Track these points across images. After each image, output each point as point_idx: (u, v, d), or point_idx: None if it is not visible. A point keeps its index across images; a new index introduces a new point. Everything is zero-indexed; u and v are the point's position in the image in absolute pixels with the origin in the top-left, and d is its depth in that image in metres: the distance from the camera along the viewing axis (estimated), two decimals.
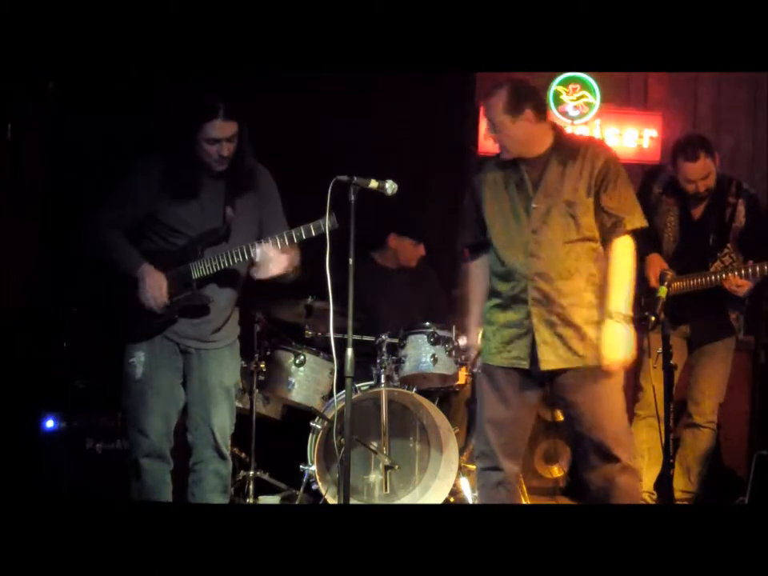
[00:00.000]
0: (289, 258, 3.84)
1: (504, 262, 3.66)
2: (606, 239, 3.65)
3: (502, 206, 3.67)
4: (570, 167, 3.61)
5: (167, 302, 3.84)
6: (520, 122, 3.58)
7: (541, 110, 3.62)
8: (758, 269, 4.55)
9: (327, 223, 3.64)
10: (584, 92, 6.48)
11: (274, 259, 3.79)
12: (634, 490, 3.70)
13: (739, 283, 4.59)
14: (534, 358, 3.62)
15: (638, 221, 3.66)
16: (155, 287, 3.82)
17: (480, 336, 3.78)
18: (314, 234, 3.72)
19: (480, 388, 3.82)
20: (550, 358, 3.60)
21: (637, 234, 3.69)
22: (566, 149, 3.64)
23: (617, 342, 3.55)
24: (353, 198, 3.50)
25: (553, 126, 3.72)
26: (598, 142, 3.82)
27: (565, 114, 6.62)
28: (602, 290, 3.62)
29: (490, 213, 3.70)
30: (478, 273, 3.85)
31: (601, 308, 3.61)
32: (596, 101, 6.17)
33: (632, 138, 6.05)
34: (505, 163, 3.70)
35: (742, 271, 4.59)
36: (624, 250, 3.64)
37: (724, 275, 4.62)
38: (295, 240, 3.79)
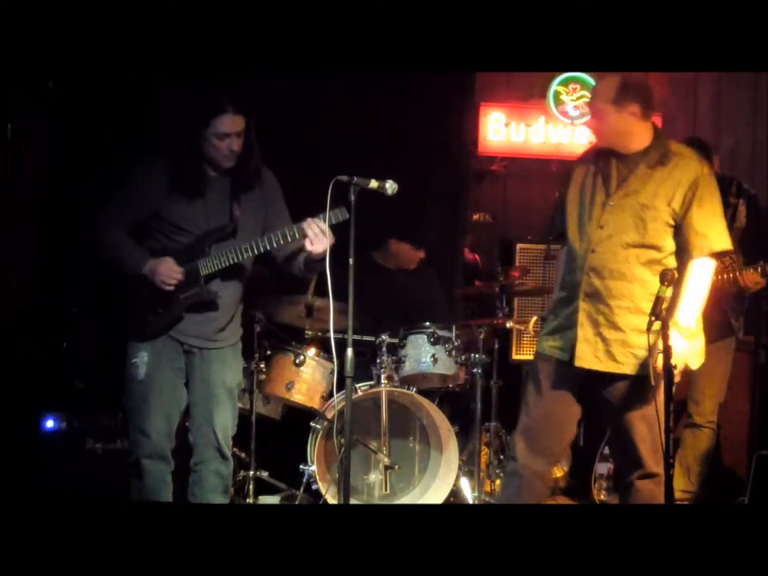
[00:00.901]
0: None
1: (570, 254, 3.69)
2: (685, 255, 3.60)
3: (583, 197, 3.67)
4: (659, 171, 3.59)
5: (180, 276, 3.83)
6: (625, 114, 3.59)
7: (647, 109, 3.63)
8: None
9: (332, 217, 3.63)
10: (584, 92, 6.50)
11: (326, 232, 3.72)
12: (654, 495, 3.62)
13: (758, 280, 4.58)
14: (574, 352, 3.62)
15: (724, 243, 3.62)
16: (167, 268, 3.81)
17: (530, 323, 3.91)
18: (326, 224, 3.69)
19: (526, 376, 3.92)
20: (586, 357, 3.58)
21: (719, 256, 3.67)
22: (661, 153, 3.62)
23: (682, 352, 3.50)
24: (353, 198, 3.50)
25: (655, 127, 3.70)
26: (693, 155, 3.69)
27: (565, 114, 6.64)
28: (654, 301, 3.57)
29: (570, 201, 3.71)
30: (561, 258, 3.87)
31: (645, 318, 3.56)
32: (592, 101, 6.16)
33: None
34: (600, 156, 3.69)
35: (761, 268, 4.57)
36: (705, 270, 3.61)
37: (740, 272, 4.60)
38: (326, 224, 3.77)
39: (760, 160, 6.14)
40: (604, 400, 3.66)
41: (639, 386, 3.57)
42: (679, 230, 3.58)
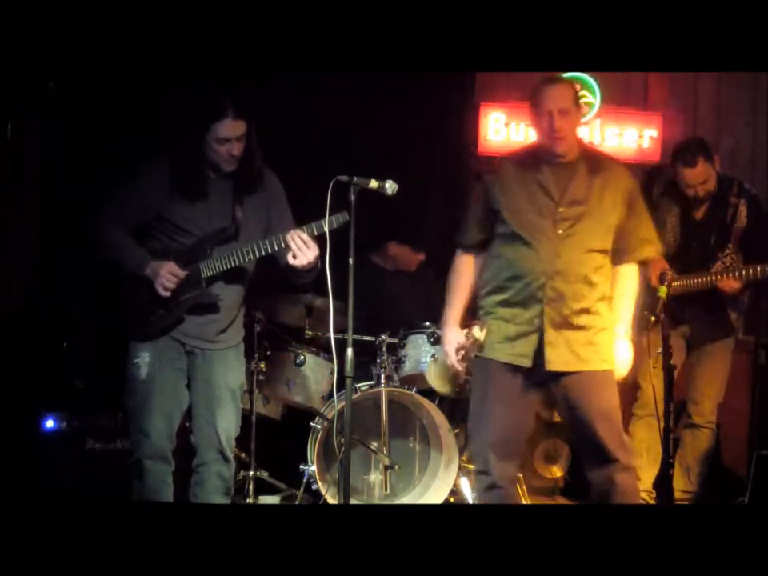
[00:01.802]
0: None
1: (523, 259, 3.65)
2: (618, 259, 3.73)
3: (524, 205, 3.67)
4: (596, 178, 3.66)
5: (179, 280, 3.83)
6: (579, 116, 3.68)
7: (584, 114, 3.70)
8: (751, 272, 4.56)
9: (333, 221, 3.64)
10: (584, 92, 6.48)
11: (310, 244, 3.76)
12: (632, 488, 3.73)
13: (734, 285, 4.60)
14: (537, 357, 3.63)
15: (655, 251, 3.82)
16: (167, 271, 3.81)
17: (472, 330, 3.73)
18: (324, 230, 3.70)
19: (476, 388, 3.79)
20: (555, 359, 3.61)
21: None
22: (592, 160, 3.71)
23: (627, 359, 3.70)
24: (353, 198, 3.50)
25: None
26: (622, 162, 3.86)
27: None
28: (608, 303, 3.70)
29: (510, 210, 3.68)
30: (468, 269, 3.84)
31: (606, 319, 3.69)
32: (596, 101, 6.17)
33: (632, 138, 6.05)
34: (523, 163, 3.71)
35: (737, 273, 4.60)
36: (636, 274, 3.77)
37: (719, 277, 4.63)
38: (315, 233, 3.77)
39: (760, 160, 6.13)
40: (564, 401, 3.68)
41: (600, 382, 3.65)
42: (618, 235, 3.68)
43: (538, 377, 3.67)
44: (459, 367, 3.79)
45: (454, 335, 3.78)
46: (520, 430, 3.77)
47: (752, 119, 6.19)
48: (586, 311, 3.64)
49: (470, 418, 3.83)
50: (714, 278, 4.67)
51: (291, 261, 3.77)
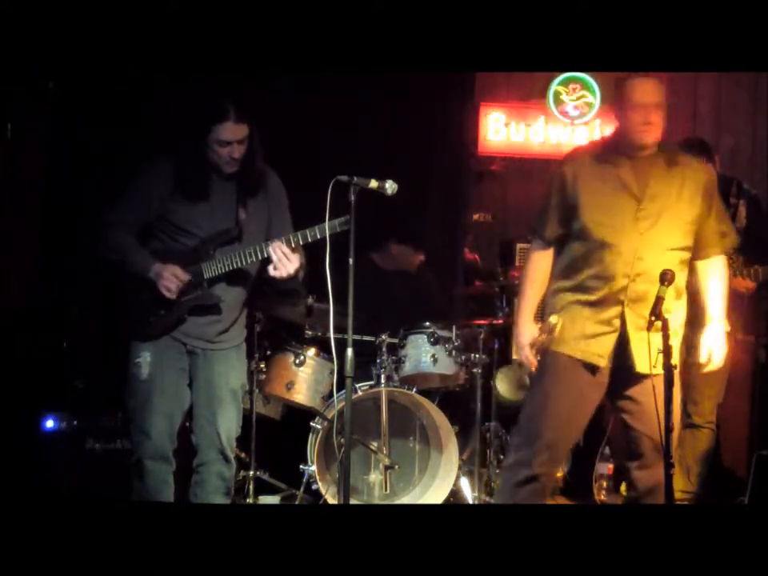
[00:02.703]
0: (301, 257, 3.84)
1: (604, 258, 3.60)
2: (702, 253, 3.71)
3: (604, 202, 3.62)
4: (675, 172, 3.64)
5: (182, 284, 3.83)
6: (665, 112, 3.65)
7: None
8: (752, 272, 4.56)
9: (336, 225, 3.65)
10: (584, 92, 6.49)
11: (291, 257, 3.77)
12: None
13: (748, 285, 4.60)
14: (615, 357, 3.60)
15: (734, 242, 3.81)
16: (170, 274, 3.81)
17: (545, 325, 3.69)
18: (325, 234, 3.70)
19: (540, 381, 3.73)
20: (644, 361, 3.55)
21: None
22: (670, 154, 3.68)
23: (720, 351, 3.67)
24: (353, 198, 3.50)
25: None
26: (699, 158, 3.86)
27: (565, 114, 6.64)
28: (682, 300, 3.69)
29: (589, 207, 3.63)
30: (545, 263, 3.77)
31: (680, 318, 3.67)
32: (596, 101, 6.19)
33: None
34: (602, 157, 3.67)
35: (751, 272, 4.58)
36: (723, 266, 3.76)
37: (732, 275, 4.61)
38: (309, 239, 3.78)
39: (760, 160, 6.14)
40: (631, 396, 3.65)
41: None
42: (701, 229, 3.66)
43: (607, 377, 3.64)
44: (534, 361, 3.72)
45: (528, 328, 3.73)
46: (574, 430, 3.77)
47: (752, 119, 6.20)
48: (665, 311, 3.54)
49: (526, 408, 3.78)
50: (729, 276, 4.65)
51: (272, 272, 3.79)
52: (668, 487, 3.32)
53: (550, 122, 6.68)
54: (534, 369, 3.78)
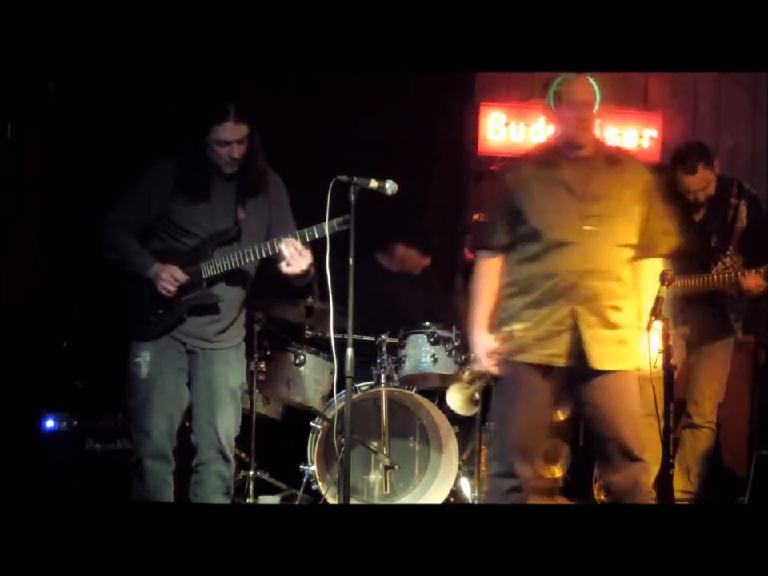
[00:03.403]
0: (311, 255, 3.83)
1: (553, 258, 3.60)
2: (642, 254, 3.70)
3: (548, 204, 3.63)
4: (615, 172, 3.65)
5: (180, 283, 3.83)
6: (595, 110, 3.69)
7: None
8: (753, 272, 4.56)
9: (335, 224, 3.65)
10: None
11: (303, 253, 3.77)
12: (649, 489, 3.76)
13: (759, 283, 4.59)
14: (572, 356, 3.60)
15: (677, 243, 3.76)
16: (170, 274, 3.82)
17: (499, 334, 3.68)
18: (325, 233, 3.70)
19: (501, 391, 3.74)
20: (599, 357, 3.57)
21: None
22: (609, 154, 3.71)
23: (657, 354, 3.63)
24: (353, 198, 3.51)
25: None
26: (638, 156, 3.88)
27: None
28: (633, 299, 3.68)
29: (535, 210, 3.63)
30: (494, 272, 3.77)
31: (632, 316, 3.66)
32: (596, 101, 6.16)
33: (632, 138, 6.05)
34: (542, 161, 3.69)
35: (763, 271, 4.57)
36: (659, 268, 3.72)
37: (738, 275, 4.61)
38: (308, 239, 3.79)
39: (760, 160, 6.13)
40: (591, 401, 3.65)
41: (630, 381, 3.64)
42: (641, 229, 3.66)
43: (566, 377, 3.64)
44: (495, 371, 3.72)
45: (484, 340, 3.72)
46: (542, 433, 3.78)
47: (752, 119, 6.19)
48: (616, 309, 3.61)
49: (493, 420, 3.81)
50: (714, 278, 4.65)
51: (285, 269, 3.79)
52: (668, 487, 3.33)
53: (550, 122, 6.67)
54: (495, 376, 3.77)
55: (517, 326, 3.64)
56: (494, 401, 3.79)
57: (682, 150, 4.78)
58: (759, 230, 4.76)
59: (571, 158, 3.66)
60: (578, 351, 3.60)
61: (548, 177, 3.66)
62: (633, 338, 3.64)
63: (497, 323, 3.74)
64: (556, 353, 3.61)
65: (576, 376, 3.63)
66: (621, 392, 3.63)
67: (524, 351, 3.64)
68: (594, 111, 3.66)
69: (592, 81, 3.68)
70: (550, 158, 3.70)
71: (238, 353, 4.07)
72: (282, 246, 3.77)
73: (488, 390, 5.15)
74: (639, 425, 3.66)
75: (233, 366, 4.02)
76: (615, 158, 3.70)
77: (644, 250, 3.70)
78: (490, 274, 3.77)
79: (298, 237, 3.80)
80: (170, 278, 3.82)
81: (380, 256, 5.48)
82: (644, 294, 3.70)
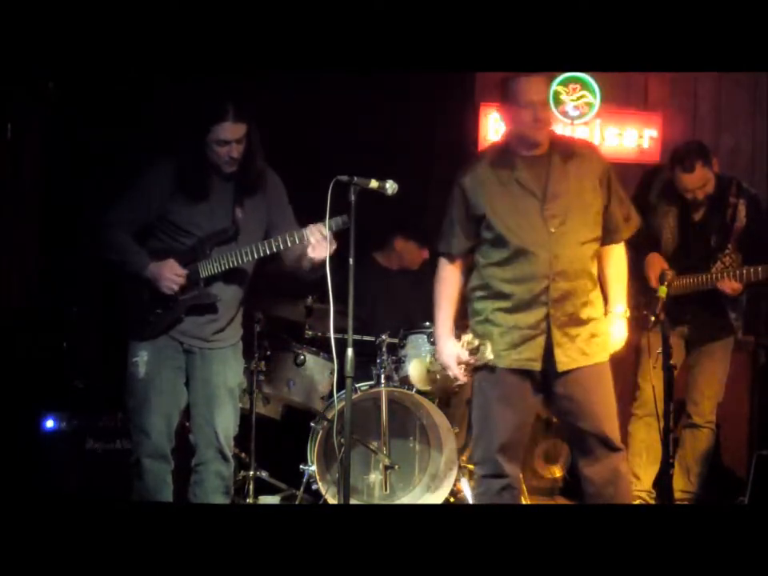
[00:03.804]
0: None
1: (522, 262, 3.59)
2: (605, 240, 3.71)
3: (509, 208, 3.61)
4: (571, 166, 3.64)
5: (183, 278, 3.83)
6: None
7: None
8: (752, 272, 4.56)
9: (333, 224, 3.65)
10: (584, 92, 6.48)
11: (327, 239, 3.75)
12: (629, 475, 3.81)
13: (734, 286, 4.60)
14: (545, 359, 3.60)
15: (637, 226, 3.79)
16: (170, 271, 3.82)
17: (468, 339, 3.65)
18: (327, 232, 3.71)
19: (481, 393, 3.73)
20: (565, 359, 3.59)
21: (638, 233, 3.83)
22: (562, 148, 3.68)
23: (624, 337, 3.72)
24: (353, 197, 3.51)
25: None
26: (593, 145, 3.88)
27: (565, 114, 6.61)
28: (599, 290, 3.70)
29: (497, 215, 3.62)
30: (455, 278, 3.77)
31: (600, 307, 3.69)
32: (596, 101, 6.16)
33: (632, 138, 6.05)
34: (497, 163, 3.67)
35: (736, 273, 4.59)
36: (624, 253, 3.77)
37: (719, 277, 4.63)
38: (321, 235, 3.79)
39: (760, 160, 6.13)
40: (567, 397, 3.65)
41: (603, 373, 3.67)
42: (603, 217, 3.68)
43: (543, 378, 3.65)
44: (464, 379, 3.71)
45: (451, 348, 3.70)
46: (525, 432, 3.77)
47: (752, 119, 6.19)
48: (587, 304, 3.63)
49: (475, 424, 3.79)
50: (713, 278, 4.66)
51: (311, 253, 3.76)
52: (668, 487, 3.33)
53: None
54: (465, 381, 3.76)
55: (487, 349, 3.60)
56: (475, 402, 3.77)
57: (680, 149, 4.79)
58: (758, 229, 4.76)
59: (526, 157, 3.64)
60: (547, 354, 3.61)
61: (505, 178, 3.64)
62: (603, 329, 3.67)
63: (470, 328, 3.74)
64: (531, 356, 3.62)
65: (550, 373, 3.64)
66: (595, 384, 3.64)
67: (499, 357, 3.63)
68: (549, 110, 3.69)
69: (545, 80, 3.70)
70: (504, 158, 3.67)
71: (236, 352, 4.07)
72: (308, 232, 3.77)
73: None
74: (615, 414, 3.67)
75: (231, 365, 4.02)
76: (570, 151, 3.67)
77: (606, 237, 3.70)
78: (450, 279, 3.78)
79: (297, 238, 3.81)
80: (172, 275, 3.83)
81: (378, 255, 5.48)
82: (610, 280, 3.74)
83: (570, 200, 3.60)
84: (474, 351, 3.62)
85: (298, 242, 3.81)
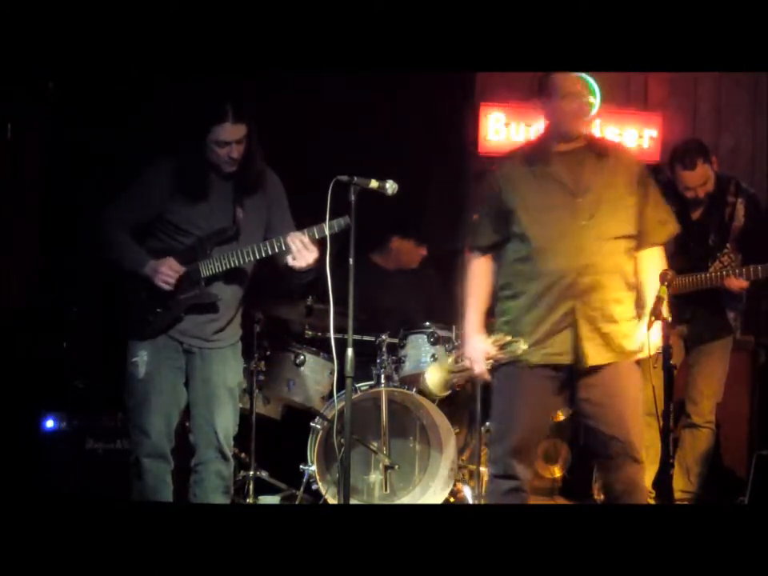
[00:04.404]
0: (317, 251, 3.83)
1: (547, 257, 3.57)
2: (640, 244, 3.68)
3: (539, 202, 3.61)
4: (605, 163, 3.63)
5: (179, 274, 3.84)
6: None
7: None
8: (752, 271, 4.56)
9: (334, 225, 3.65)
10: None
11: (309, 247, 3.77)
12: (647, 488, 3.73)
13: (742, 285, 4.60)
14: (572, 353, 3.58)
15: (674, 231, 3.77)
16: (167, 266, 3.83)
17: (498, 337, 3.64)
18: (324, 234, 3.71)
19: (502, 392, 3.70)
20: (594, 354, 3.55)
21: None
22: (598, 146, 3.69)
23: (657, 344, 3.59)
24: (353, 197, 3.51)
25: None
26: (628, 148, 3.87)
27: None
28: (633, 291, 3.67)
29: (525, 209, 3.61)
30: (485, 273, 3.75)
31: (631, 308, 3.66)
32: (596, 101, 6.16)
33: (632, 137, 6.05)
34: (530, 158, 3.68)
35: (743, 271, 4.59)
36: (661, 257, 3.73)
37: (725, 275, 4.63)
38: (317, 236, 3.79)
39: (760, 160, 6.14)
40: (593, 398, 3.62)
41: (632, 374, 3.64)
42: (639, 218, 3.65)
43: (568, 375, 3.62)
44: (487, 377, 3.70)
45: (479, 344, 3.68)
46: (541, 434, 3.78)
47: (752, 119, 6.19)
48: (616, 301, 3.59)
49: (494, 422, 3.77)
50: (712, 277, 4.66)
51: (291, 263, 3.79)
52: (668, 487, 3.33)
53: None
54: (488, 380, 3.74)
55: (519, 343, 3.58)
56: (494, 400, 3.76)
57: (680, 147, 4.79)
58: (757, 229, 4.77)
59: (561, 152, 3.64)
60: (575, 348, 3.58)
61: (538, 173, 3.63)
62: (632, 330, 3.62)
63: (496, 328, 3.72)
64: (558, 351, 3.59)
65: (576, 373, 3.61)
66: (623, 389, 3.61)
67: (527, 353, 3.60)
68: (589, 104, 3.66)
69: (587, 77, 3.70)
70: (538, 153, 3.68)
71: (235, 351, 4.08)
72: (289, 240, 3.78)
73: (488, 389, 5.20)
74: (639, 423, 3.65)
75: (230, 364, 4.02)
76: (605, 150, 3.68)
77: (642, 239, 3.68)
78: (481, 275, 3.76)
79: (277, 246, 3.81)
80: (167, 269, 3.82)
81: (376, 256, 5.48)
82: (644, 284, 3.68)
83: (601, 194, 3.59)
84: (504, 346, 3.60)
85: (281, 249, 3.81)
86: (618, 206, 3.61)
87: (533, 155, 3.69)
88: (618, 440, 3.59)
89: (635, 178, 3.66)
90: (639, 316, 3.67)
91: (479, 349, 3.68)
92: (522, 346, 3.57)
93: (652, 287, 3.64)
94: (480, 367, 3.69)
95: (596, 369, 3.59)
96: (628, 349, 3.60)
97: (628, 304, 3.65)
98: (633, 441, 3.60)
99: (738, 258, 4.75)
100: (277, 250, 3.84)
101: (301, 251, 3.77)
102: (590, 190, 3.59)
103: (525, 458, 3.67)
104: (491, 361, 3.66)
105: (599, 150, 3.66)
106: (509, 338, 3.60)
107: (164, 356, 3.90)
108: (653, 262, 3.69)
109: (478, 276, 3.76)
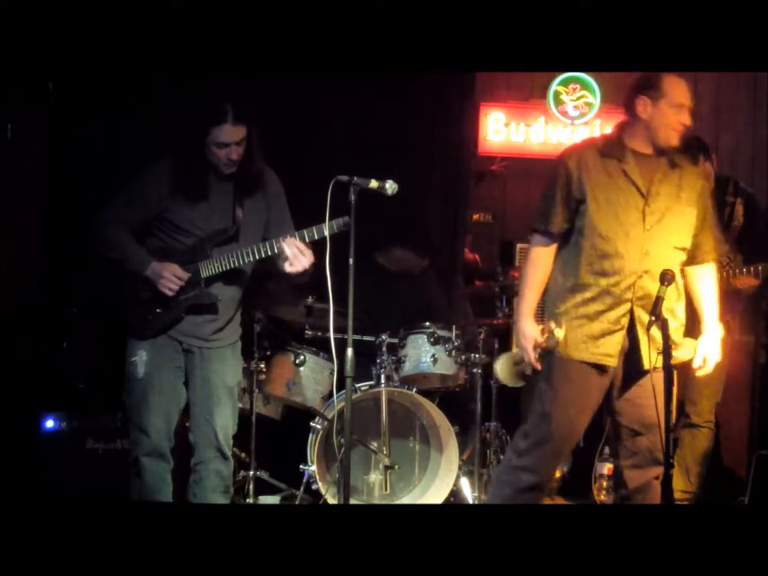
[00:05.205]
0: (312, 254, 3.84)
1: (611, 255, 3.57)
2: (697, 258, 3.71)
3: (611, 198, 3.59)
4: (675, 174, 3.64)
5: (183, 282, 3.84)
6: None
7: None
8: (752, 270, 4.56)
9: (334, 225, 3.66)
10: (584, 92, 6.50)
11: (305, 252, 3.78)
12: (659, 491, 3.71)
13: (751, 283, 4.60)
14: (622, 355, 3.58)
15: (724, 250, 3.88)
16: (170, 273, 3.82)
17: (551, 327, 3.59)
18: (324, 234, 3.71)
19: (551, 383, 3.65)
20: (649, 357, 3.53)
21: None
22: (669, 157, 3.66)
23: (717, 359, 3.67)
24: (353, 198, 3.51)
25: None
26: (696, 162, 3.93)
27: (565, 114, 6.63)
28: (682, 303, 3.69)
29: (596, 202, 3.59)
30: (548, 260, 3.70)
31: (681, 318, 3.68)
32: (596, 101, 6.18)
33: None
34: (608, 152, 3.64)
35: (751, 270, 4.58)
36: (715, 272, 3.77)
37: (733, 273, 4.62)
38: (308, 239, 3.80)
39: (760, 160, 6.14)
40: (633, 399, 3.64)
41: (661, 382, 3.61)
42: (696, 234, 3.66)
43: (611, 378, 3.62)
44: (537, 365, 3.65)
45: (531, 330, 3.63)
46: (581, 433, 3.77)
47: (752, 119, 6.20)
48: (670, 311, 3.59)
49: (535, 416, 3.71)
50: (730, 275, 4.65)
51: (287, 268, 3.80)
52: (668, 487, 3.32)
53: (550, 122, 6.69)
54: (537, 369, 3.70)
55: (570, 321, 3.57)
56: (539, 393, 3.70)
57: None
58: (756, 228, 4.77)
59: (637, 153, 3.62)
60: (629, 351, 3.59)
61: (612, 169, 3.61)
62: (680, 340, 3.65)
63: (549, 317, 3.68)
64: (609, 352, 3.59)
65: (623, 372, 3.62)
66: (659, 392, 3.53)
67: (577, 349, 3.59)
68: (690, 119, 3.63)
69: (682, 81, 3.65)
70: (614, 150, 3.64)
71: (235, 351, 4.08)
72: (284, 246, 3.79)
73: (488, 389, 5.20)
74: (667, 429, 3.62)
75: (230, 364, 4.02)
76: (676, 161, 3.67)
77: (701, 254, 3.70)
78: (542, 263, 3.70)
79: (298, 238, 3.81)
80: (171, 276, 3.83)
81: (379, 256, 5.48)
82: (703, 298, 3.71)
83: (669, 203, 3.60)
84: (549, 334, 3.58)
85: (277, 251, 3.81)
86: (682, 218, 3.62)
87: (607, 150, 3.65)
88: (649, 441, 3.61)
89: (699, 194, 3.67)
90: (698, 331, 3.69)
91: (530, 336, 3.64)
92: (556, 337, 3.54)
93: (710, 301, 3.69)
94: (529, 355, 3.64)
95: (644, 372, 3.59)
96: (675, 355, 3.57)
97: (678, 314, 3.66)
98: (659, 447, 3.56)
99: (737, 258, 4.74)
100: (276, 251, 3.84)
101: (297, 256, 3.78)
102: (658, 197, 3.59)
103: (559, 458, 3.68)
104: (539, 349, 3.63)
105: (671, 162, 3.65)
106: (552, 326, 3.57)
107: (164, 356, 3.90)
108: (710, 277, 3.72)
109: (542, 264, 3.70)
